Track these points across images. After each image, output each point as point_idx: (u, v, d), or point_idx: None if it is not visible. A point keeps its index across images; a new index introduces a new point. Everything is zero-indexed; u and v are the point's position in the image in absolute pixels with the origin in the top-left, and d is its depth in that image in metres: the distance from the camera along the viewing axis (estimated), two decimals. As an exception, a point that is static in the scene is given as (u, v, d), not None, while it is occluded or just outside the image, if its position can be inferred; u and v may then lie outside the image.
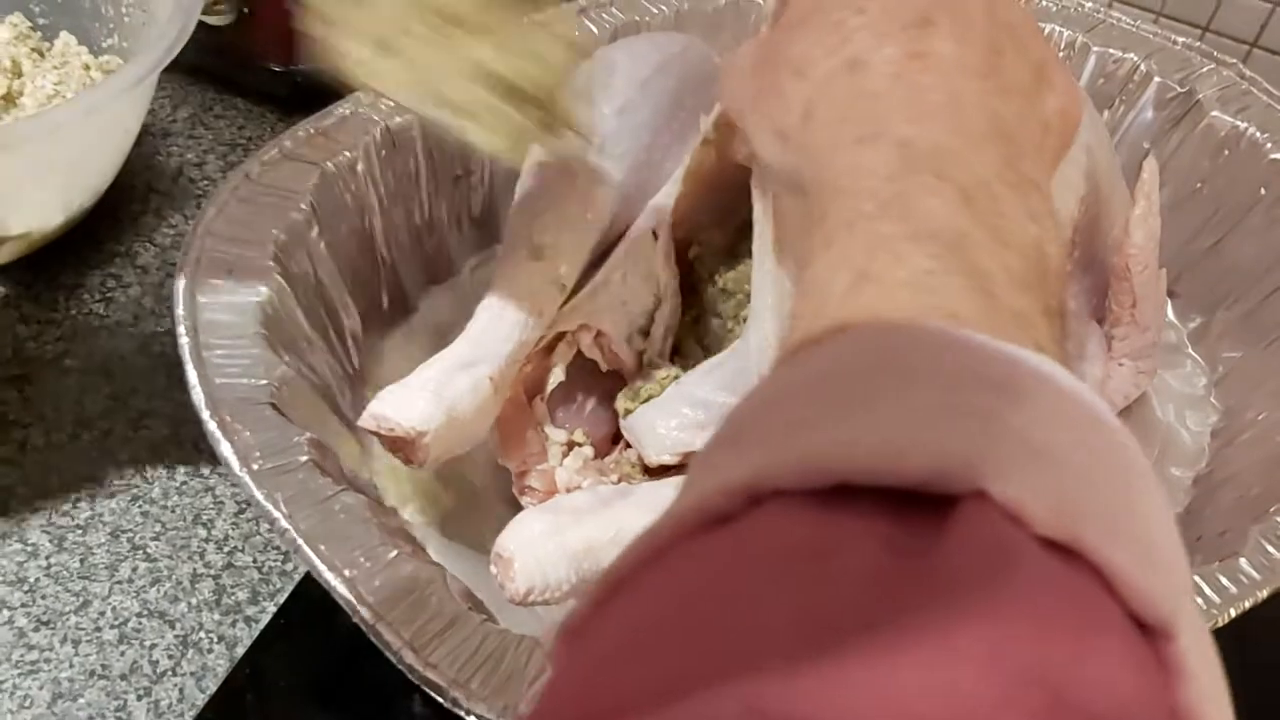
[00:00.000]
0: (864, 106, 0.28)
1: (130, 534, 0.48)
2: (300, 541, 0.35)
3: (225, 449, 0.38)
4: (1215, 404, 0.54)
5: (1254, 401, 0.52)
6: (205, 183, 0.63)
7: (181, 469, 0.50)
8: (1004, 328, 0.23)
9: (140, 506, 0.49)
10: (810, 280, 0.26)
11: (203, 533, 0.48)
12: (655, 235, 0.47)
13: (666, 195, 0.48)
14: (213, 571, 0.47)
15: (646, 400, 0.44)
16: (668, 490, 0.39)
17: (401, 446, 0.39)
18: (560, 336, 0.45)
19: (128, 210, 0.61)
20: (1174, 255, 0.55)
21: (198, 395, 0.39)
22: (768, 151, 0.32)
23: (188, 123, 0.66)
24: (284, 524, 0.36)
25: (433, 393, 0.40)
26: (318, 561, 0.35)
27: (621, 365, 0.45)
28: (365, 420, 0.39)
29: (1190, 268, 0.57)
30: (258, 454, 0.38)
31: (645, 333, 0.46)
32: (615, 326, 0.44)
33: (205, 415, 0.38)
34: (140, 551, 0.48)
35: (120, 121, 0.54)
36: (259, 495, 0.36)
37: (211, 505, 0.49)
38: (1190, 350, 0.57)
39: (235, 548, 0.48)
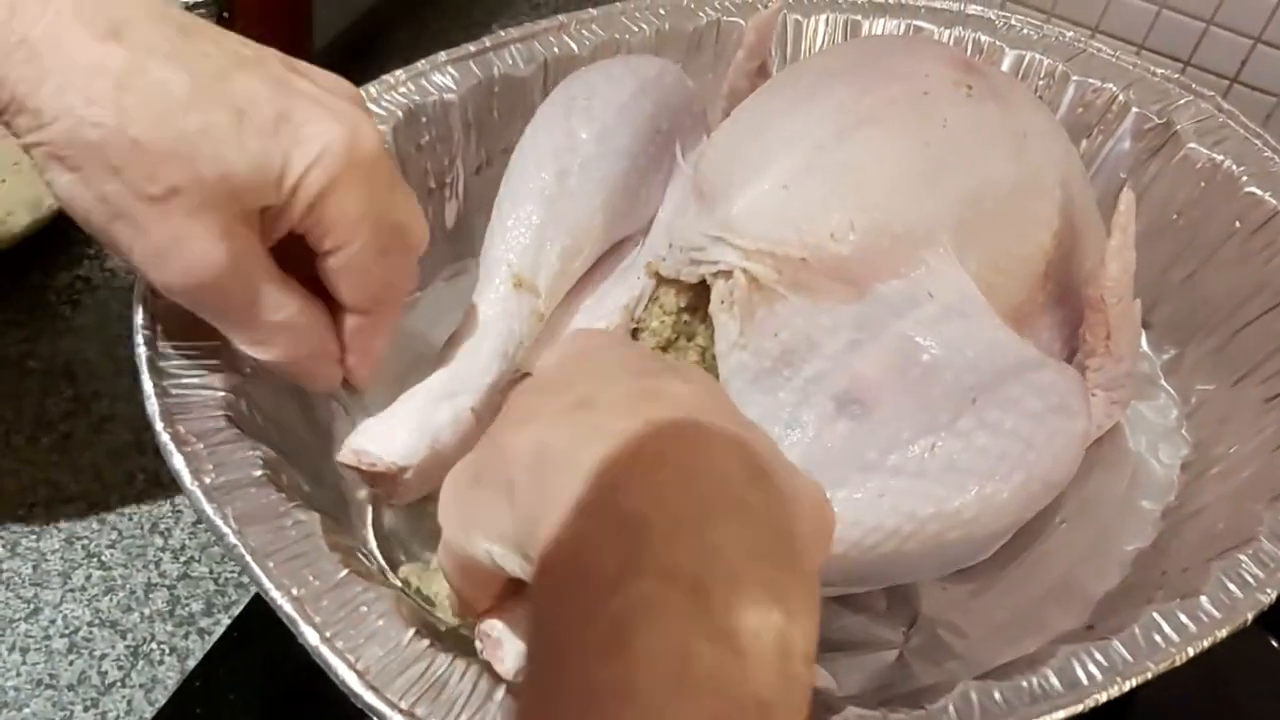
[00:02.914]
0: (594, 454, 0.26)
1: (86, 541, 0.47)
2: (248, 558, 0.35)
3: (177, 462, 0.37)
4: (1186, 437, 0.54)
5: (1224, 436, 0.52)
6: (179, 187, 0.62)
7: (141, 476, 0.50)
8: None
9: (97, 513, 0.48)
10: None
11: (159, 541, 0.48)
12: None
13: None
14: (168, 581, 0.47)
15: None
16: None
17: (382, 481, 0.39)
18: (528, 373, 0.45)
19: (99, 212, 0.60)
20: (1149, 286, 0.55)
21: (152, 406, 0.38)
22: None
23: (164, 126, 0.66)
24: (232, 540, 0.35)
25: (415, 426, 0.39)
26: (264, 579, 0.34)
27: None
28: (345, 455, 0.39)
29: (1165, 299, 0.57)
30: (210, 467, 0.37)
31: None
32: None
33: (159, 427, 0.38)
34: (95, 559, 0.47)
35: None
36: (208, 510, 0.36)
37: (170, 514, 0.49)
38: (1163, 382, 0.56)
39: (192, 558, 0.47)
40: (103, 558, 0.47)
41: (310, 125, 0.33)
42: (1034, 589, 0.48)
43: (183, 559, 0.47)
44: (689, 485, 0.25)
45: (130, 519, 0.48)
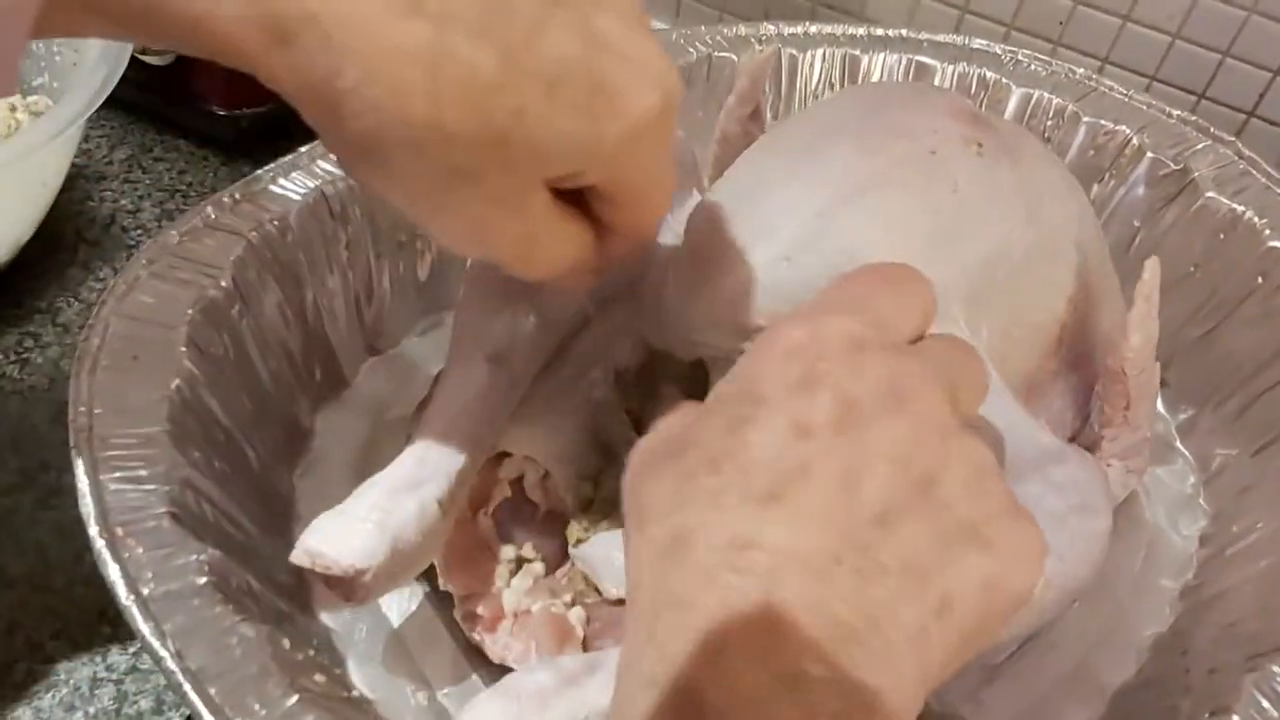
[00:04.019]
0: (667, 622, 0.25)
1: (28, 630, 0.44)
2: (186, 686, 0.31)
3: (112, 572, 0.34)
4: (1204, 506, 0.51)
5: (1244, 508, 0.49)
6: (139, 232, 0.59)
7: (89, 555, 0.46)
8: None
9: (41, 598, 0.45)
10: None
11: (107, 630, 0.44)
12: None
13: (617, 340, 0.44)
14: (115, 676, 0.43)
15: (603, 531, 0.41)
16: None
17: (338, 585, 0.35)
18: (508, 453, 0.41)
19: (53, 261, 0.57)
20: (1165, 341, 0.51)
21: (86, 505, 0.35)
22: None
23: (124, 165, 0.62)
24: (170, 664, 0.32)
25: (375, 524, 0.36)
26: (203, 710, 0.31)
27: (565, 509, 0.41)
28: (298, 556, 0.35)
29: (1182, 356, 0.54)
30: (149, 575, 0.34)
31: (595, 480, 0.42)
32: (563, 472, 0.41)
33: (94, 531, 0.35)
34: (37, 651, 0.44)
35: (38, 174, 0.50)
36: (144, 629, 0.33)
37: (119, 599, 0.45)
38: (1179, 444, 0.53)
39: (142, 648, 0.44)
40: (46, 649, 0.44)
41: (628, 97, 0.29)
42: (1046, 678, 0.45)
43: (131, 649, 0.44)
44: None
45: (77, 605, 0.45)
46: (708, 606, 0.24)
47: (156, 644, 0.32)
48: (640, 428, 0.45)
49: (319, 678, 0.35)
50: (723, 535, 0.25)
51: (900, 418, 0.26)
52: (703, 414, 0.28)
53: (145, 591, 0.34)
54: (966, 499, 0.26)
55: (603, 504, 0.43)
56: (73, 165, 0.58)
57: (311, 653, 0.36)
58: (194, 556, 0.35)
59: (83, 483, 0.36)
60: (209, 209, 0.44)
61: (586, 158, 0.30)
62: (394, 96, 0.27)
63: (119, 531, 0.35)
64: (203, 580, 0.35)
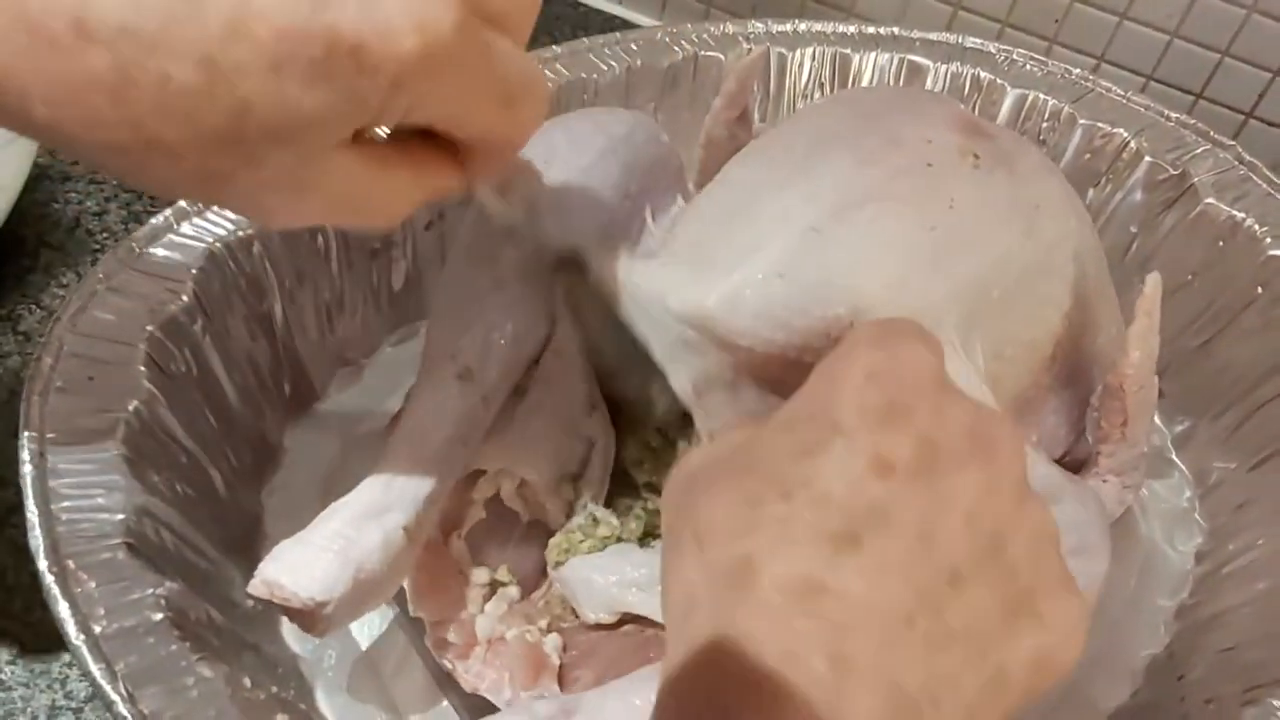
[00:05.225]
0: (726, 658, 0.23)
1: (-16, 656, 0.42)
2: (138, 734, 0.30)
3: (62, 609, 0.32)
4: (1201, 521, 0.49)
5: (1242, 524, 0.48)
6: (104, 235, 0.57)
7: (50, 577, 0.45)
8: None
9: (-1, 622, 0.43)
10: None
11: (66, 656, 0.43)
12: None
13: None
14: (74, 704, 0.42)
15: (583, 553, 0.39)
16: (611, 703, 0.34)
17: (298, 616, 0.34)
18: (482, 471, 0.40)
19: (14, 266, 0.55)
20: (1161, 351, 0.49)
21: (35, 538, 0.33)
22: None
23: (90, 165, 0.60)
24: (121, 709, 0.30)
25: (337, 553, 0.34)
26: (156, 761, 0.29)
27: (546, 516, 0.40)
28: (256, 587, 0.33)
29: (1179, 366, 0.52)
30: (102, 612, 0.32)
31: (576, 479, 0.41)
32: (541, 474, 0.39)
33: (43, 565, 0.33)
34: (-7, 678, 0.42)
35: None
36: (95, 671, 0.31)
37: (80, 623, 0.44)
38: (1175, 457, 0.52)
39: (104, 674, 0.42)
40: (2, 675, 0.42)
41: (375, 49, 0.25)
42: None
43: (93, 676, 0.42)
44: None
45: (35, 628, 0.43)
46: (773, 652, 0.23)
47: (108, 687, 0.31)
48: (619, 428, 0.44)
49: (281, 717, 0.33)
50: (793, 572, 0.23)
51: (979, 471, 0.25)
52: (768, 431, 0.26)
53: (97, 630, 0.32)
54: (1030, 566, 0.25)
55: (586, 521, 0.42)
56: (35, 165, 0.56)
57: (275, 689, 0.35)
58: (150, 590, 0.34)
59: (32, 513, 0.34)
60: (171, 218, 0.42)
61: (357, 118, 0.26)
62: (87, 128, 0.25)
63: (70, 564, 0.33)
64: (159, 616, 0.33)
